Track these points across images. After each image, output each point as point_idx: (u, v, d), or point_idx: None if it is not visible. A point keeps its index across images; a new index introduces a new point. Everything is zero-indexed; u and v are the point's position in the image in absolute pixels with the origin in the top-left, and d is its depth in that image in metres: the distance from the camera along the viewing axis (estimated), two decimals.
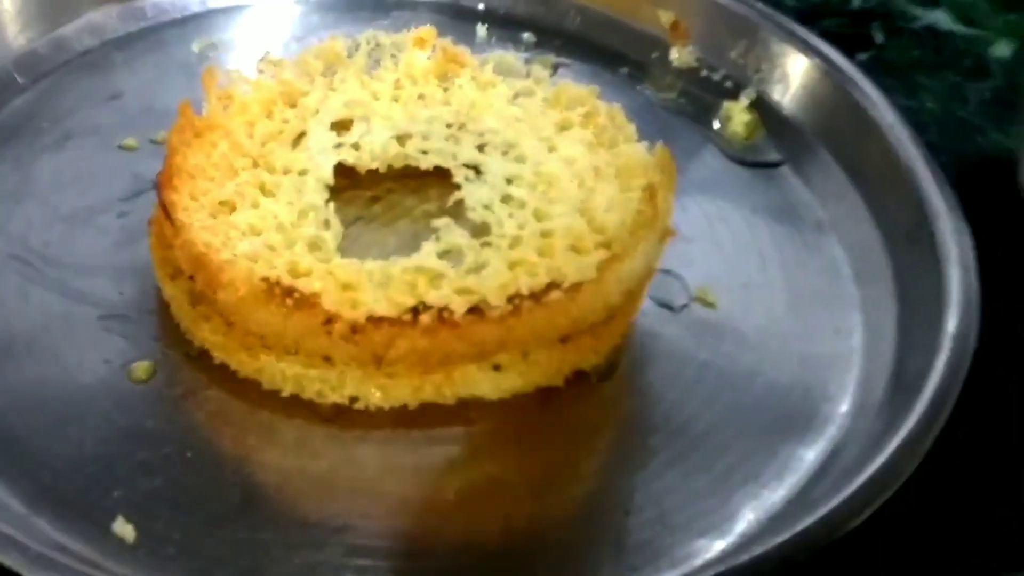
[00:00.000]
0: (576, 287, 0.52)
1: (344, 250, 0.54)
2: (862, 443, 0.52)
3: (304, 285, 0.51)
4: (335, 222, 0.54)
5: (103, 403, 0.52)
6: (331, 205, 0.55)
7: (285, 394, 0.53)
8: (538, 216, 0.55)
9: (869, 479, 0.49)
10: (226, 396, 0.53)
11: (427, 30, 0.62)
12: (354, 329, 0.50)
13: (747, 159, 0.65)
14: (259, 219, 0.54)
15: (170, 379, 0.54)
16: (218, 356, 0.54)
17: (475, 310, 0.51)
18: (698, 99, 0.67)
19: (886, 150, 0.62)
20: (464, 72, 0.61)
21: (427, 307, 0.51)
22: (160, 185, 0.55)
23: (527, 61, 0.63)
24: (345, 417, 0.53)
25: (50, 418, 0.52)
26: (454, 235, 0.54)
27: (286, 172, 0.56)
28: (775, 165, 0.65)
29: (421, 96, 0.60)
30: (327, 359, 0.52)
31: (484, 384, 0.53)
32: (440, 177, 0.58)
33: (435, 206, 0.57)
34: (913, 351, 0.54)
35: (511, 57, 0.62)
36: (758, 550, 0.47)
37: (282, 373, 0.53)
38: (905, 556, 0.51)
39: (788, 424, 0.54)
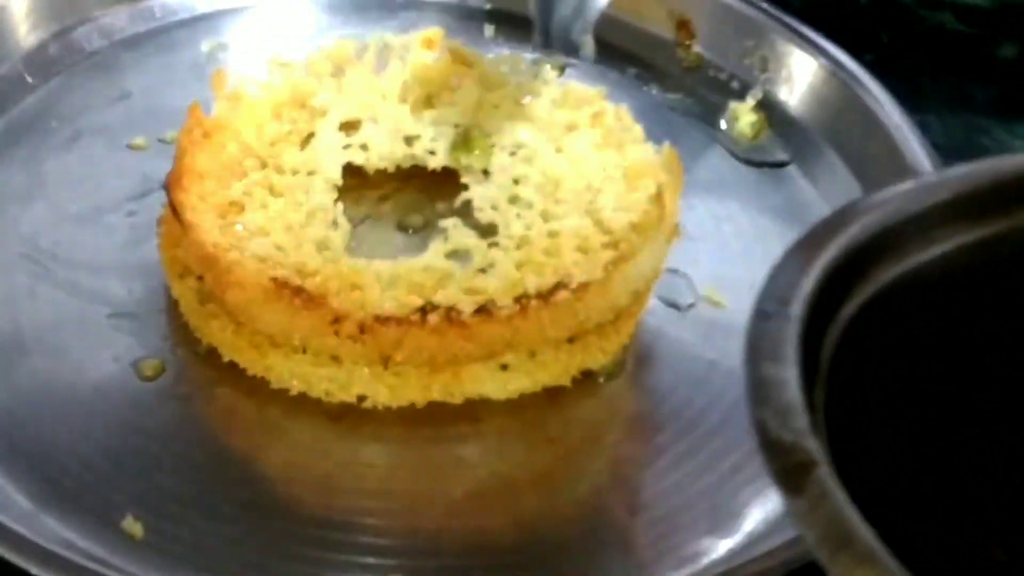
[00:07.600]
0: (583, 287, 0.52)
1: (352, 250, 0.54)
2: None
3: (312, 285, 0.51)
4: (343, 222, 0.55)
5: (112, 401, 0.53)
6: (339, 205, 0.55)
7: (293, 393, 0.53)
8: (545, 216, 0.55)
9: None
10: (234, 394, 0.53)
11: (435, 31, 0.62)
12: (362, 329, 0.50)
13: (754, 159, 0.65)
14: (267, 219, 0.54)
15: (179, 377, 0.54)
16: (226, 354, 0.54)
17: (483, 310, 0.51)
18: (705, 99, 0.67)
19: (892, 150, 0.62)
20: (472, 73, 0.61)
21: (435, 307, 0.51)
22: (169, 185, 0.55)
23: (535, 61, 0.63)
24: (353, 416, 0.53)
25: (59, 416, 0.52)
26: (462, 235, 0.54)
27: (294, 173, 0.56)
28: (781, 165, 0.65)
29: (429, 97, 0.60)
30: (335, 358, 0.52)
31: (491, 384, 0.53)
32: (448, 177, 0.58)
33: (443, 206, 0.57)
34: None
35: (519, 57, 0.62)
36: (765, 549, 0.47)
37: (290, 372, 0.53)
38: None
39: None
